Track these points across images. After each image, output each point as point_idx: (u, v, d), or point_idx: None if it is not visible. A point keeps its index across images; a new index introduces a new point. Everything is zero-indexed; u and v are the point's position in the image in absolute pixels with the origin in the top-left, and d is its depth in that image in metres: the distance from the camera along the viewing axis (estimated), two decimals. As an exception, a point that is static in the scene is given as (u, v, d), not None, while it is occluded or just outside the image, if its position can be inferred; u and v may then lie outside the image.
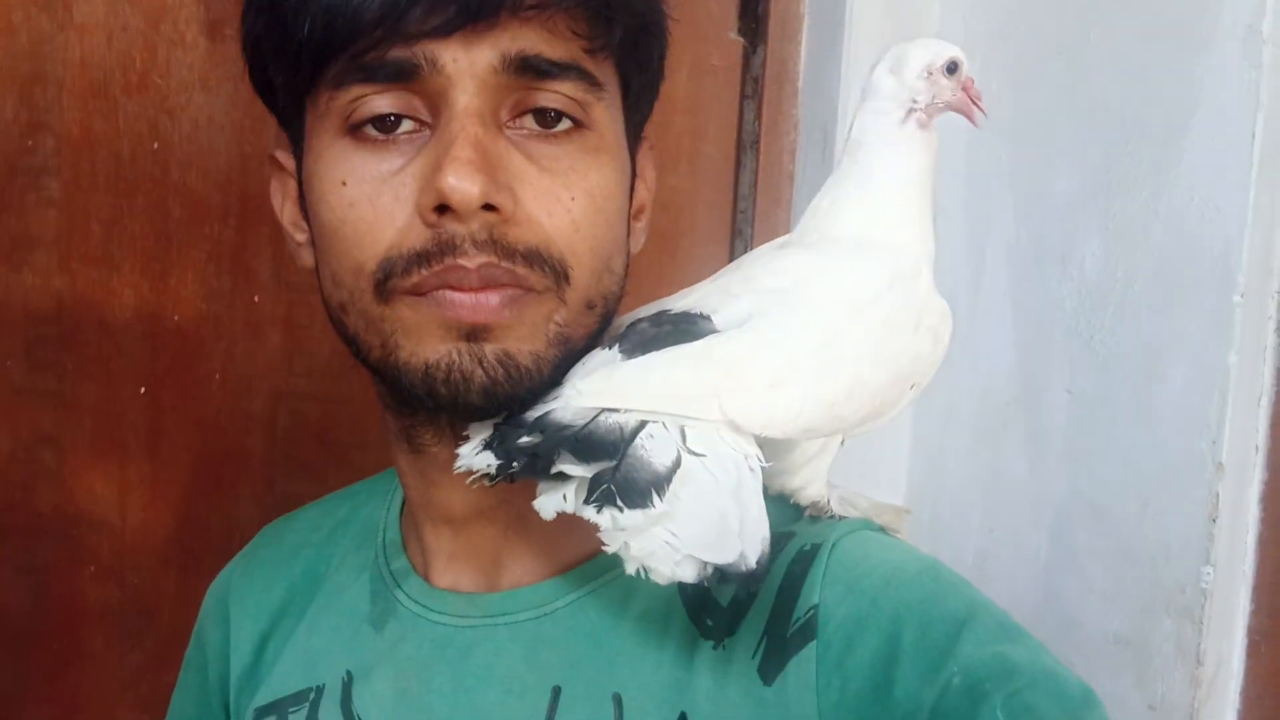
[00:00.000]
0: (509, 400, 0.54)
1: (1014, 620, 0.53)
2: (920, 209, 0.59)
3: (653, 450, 0.50)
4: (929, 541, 1.05)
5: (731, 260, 1.05)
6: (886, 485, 1.04)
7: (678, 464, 0.50)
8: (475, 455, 0.53)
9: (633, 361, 0.53)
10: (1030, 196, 0.95)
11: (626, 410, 0.51)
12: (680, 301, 0.57)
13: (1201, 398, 0.79)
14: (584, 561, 0.61)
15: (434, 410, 0.57)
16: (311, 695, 0.65)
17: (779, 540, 0.57)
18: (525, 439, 0.51)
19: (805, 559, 0.56)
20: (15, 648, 1.19)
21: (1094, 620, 0.88)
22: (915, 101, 0.58)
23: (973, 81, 0.60)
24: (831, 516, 0.60)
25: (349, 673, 0.64)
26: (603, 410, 0.51)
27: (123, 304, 1.13)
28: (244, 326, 1.13)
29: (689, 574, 0.49)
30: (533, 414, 0.53)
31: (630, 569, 0.49)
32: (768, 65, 0.99)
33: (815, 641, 0.53)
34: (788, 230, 1.05)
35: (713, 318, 0.55)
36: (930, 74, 0.58)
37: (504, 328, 0.53)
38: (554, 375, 0.55)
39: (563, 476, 0.50)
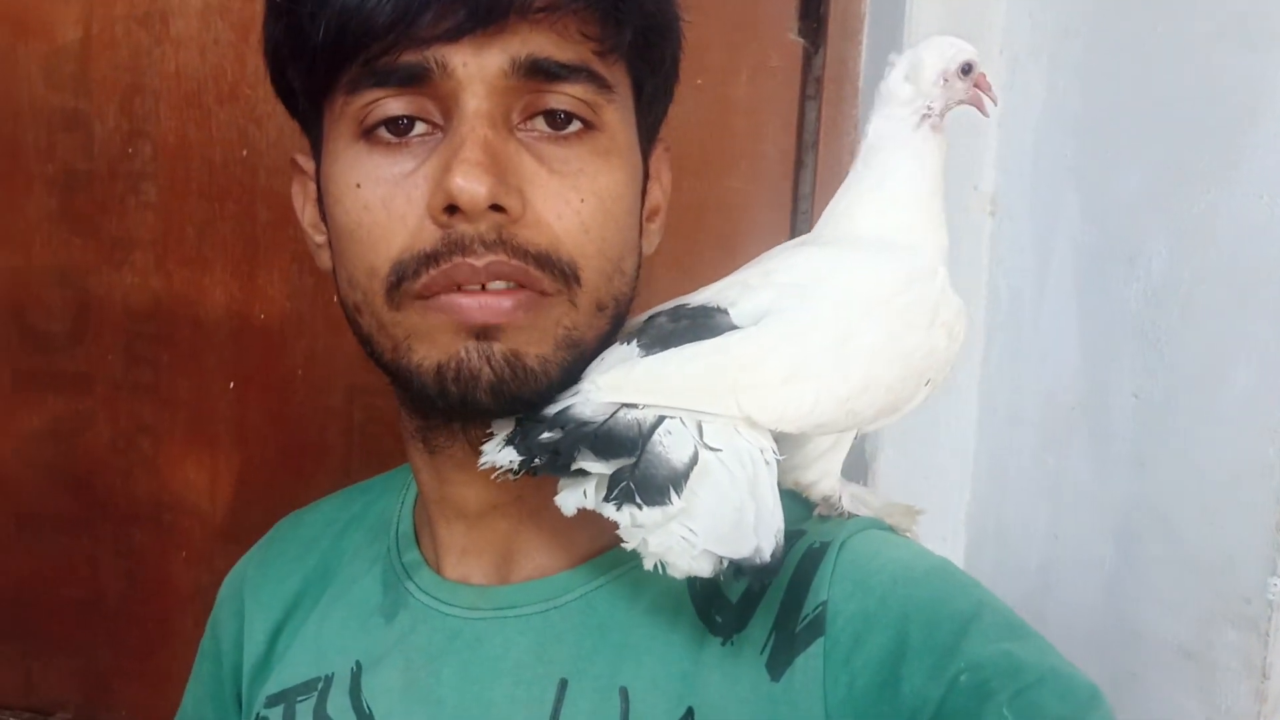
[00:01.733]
0: (516, 400, 0.55)
1: (1022, 619, 0.53)
2: (934, 209, 0.59)
3: (670, 446, 0.51)
4: (993, 548, 1.03)
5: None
6: (952, 490, 1.03)
7: (695, 460, 0.50)
8: (498, 451, 0.54)
9: (650, 358, 0.54)
10: (1096, 195, 0.93)
11: (644, 406, 0.52)
12: (698, 296, 0.58)
13: (1268, 401, 0.77)
14: (594, 556, 0.62)
15: (446, 411, 0.58)
16: (320, 684, 0.66)
17: (789, 538, 0.58)
18: (546, 435, 0.52)
19: (814, 556, 0.56)
20: (111, 627, 1.26)
21: (1158, 631, 0.86)
22: (930, 107, 0.59)
23: (984, 75, 0.60)
24: (842, 513, 0.60)
25: (358, 663, 0.64)
26: (621, 406, 0.52)
27: (214, 303, 1.19)
28: (324, 325, 1.17)
29: (705, 568, 0.49)
30: (553, 409, 0.54)
31: (648, 564, 0.50)
32: (828, 65, 0.99)
33: (823, 638, 0.53)
34: (848, 231, 1.05)
35: (730, 311, 0.55)
36: (946, 79, 0.59)
37: (514, 328, 0.54)
38: (563, 377, 0.56)
39: (583, 473, 0.51)
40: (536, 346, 0.55)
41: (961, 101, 0.60)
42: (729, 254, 1.03)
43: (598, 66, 0.55)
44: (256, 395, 1.19)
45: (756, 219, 1.02)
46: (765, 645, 0.55)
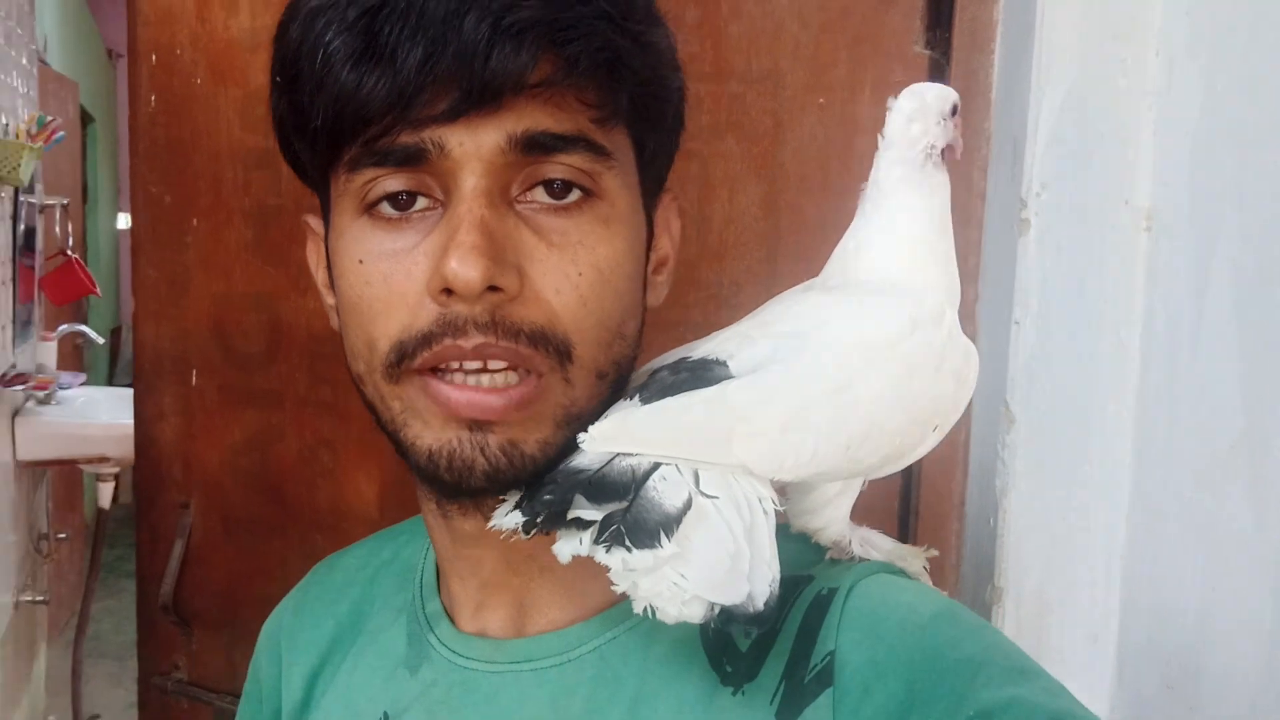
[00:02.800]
0: (515, 483, 0.55)
1: (1031, 660, 0.52)
2: (944, 249, 0.58)
3: (664, 492, 0.51)
4: (1147, 595, 0.95)
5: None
6: (1100, 531, 0.95)
7: (689, 505, 0.50)
8: (505, 516, 0.55)
9: (646, 406, 0.54)
10: (1259, 213, 0.83)
11: (640, 455, 0.52)
12: (699, 349, 0.58)
13: None
14: (607, 608, 0.62)
15: (443, 492, 0.59)
16: None
17: (797, 584, 0.57)
18: (548, 495, 0.53)
19: (822, 603, 0.56)
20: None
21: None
22: (933, 146, 0.58)
23: (960, 121, 0.60)
24: (853, 558, 0.59)
25: (386, 714, 0.66)
26: (617, 455, 0.52)
27: (380, 326, 1.27)
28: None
29: (696, 614, 0.49)
30: (559, 469, 0.55)
31: (638, 608, 0.50)
32: (957, 78, 0.93)
33: (832, 688, 0.53)
34: (979, 256, 0.99)
35: (729, 363, 0.55)
36: (944, 119, 0.58)
37: (509, 421, 0.55)
38: (566, 451, 0.56)
39: (580, 522, 0.51)
40: (536, 432, 0.55)
41: (947, 144, 0.59)
42: (856, 278, 1.00)
43: (596, 135, 0.55)
44: (418, 413, 1.26)
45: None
46: (775, 695, 0.55)
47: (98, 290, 3.41)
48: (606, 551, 0.50)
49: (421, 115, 0.52)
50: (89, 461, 2.95)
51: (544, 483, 0.54)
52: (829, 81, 0.99)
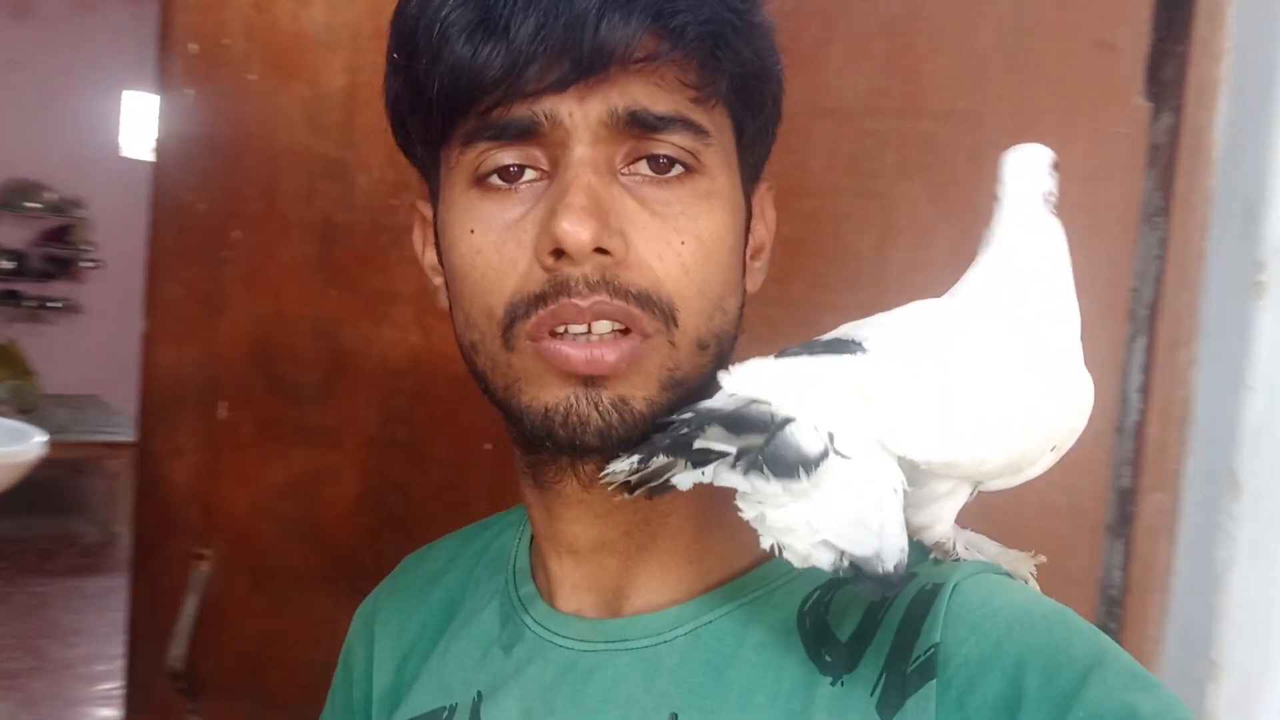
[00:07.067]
0: (623, 443, 0.57)
1: (1146, 670, 0.51)
2: (1068, 285, 0.60)
3: (802, 438, 0.49)
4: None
5: (1126, 345, 0.98)
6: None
7: (825, 455, 0.49)
8: (621, 463, 0.54)
9: (789, 359, 0.53)
10: None
11: (777, 405, 0.51)
12: (829, 334, 0.57)
13: None
14: (703, 592, 0.63)
15: (554, 450, 0.60)
16: (444, 714, 0.67)
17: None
18: (681, 429, 0.51)
19: (927, 598, 0.56)
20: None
21: None
22: (1050, 194, 0.61)
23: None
24: (957, 559, 0.59)
25: (479, 693, 0.66)
26: (753, 400, 0.51)
27: (476, 361, 1.15)
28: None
29: (825, 560, 0.49)
30: (693, 407, 0.53)
31: (765, 543, 0.49)
32: (1182, 132, 0.91)
33: (935, 680, 0.52)
34: (1195, 319, 0.96)
35: (864, 344, 0.54)
36: (1053, 170, 0.61)
37: (620, 376, 0.57)
38: (670, 414, 0.56)
39: (707, 456, 0.50)
40: (643, 389, 0.57)
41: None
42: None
43: (695, 115, 0.58)
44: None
45: (1093, 294, 0.94)
46: (876, 686, 0.54)
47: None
48: (743, 474, 0.49)
49: (533, 86, 0.55)
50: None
51: (670, 421, 0.53)
52: (1038, 128, 0.95)
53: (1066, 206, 0.92)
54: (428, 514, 1.18)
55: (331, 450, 1.22)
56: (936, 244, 0.99)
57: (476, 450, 1.16)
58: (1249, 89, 0.91)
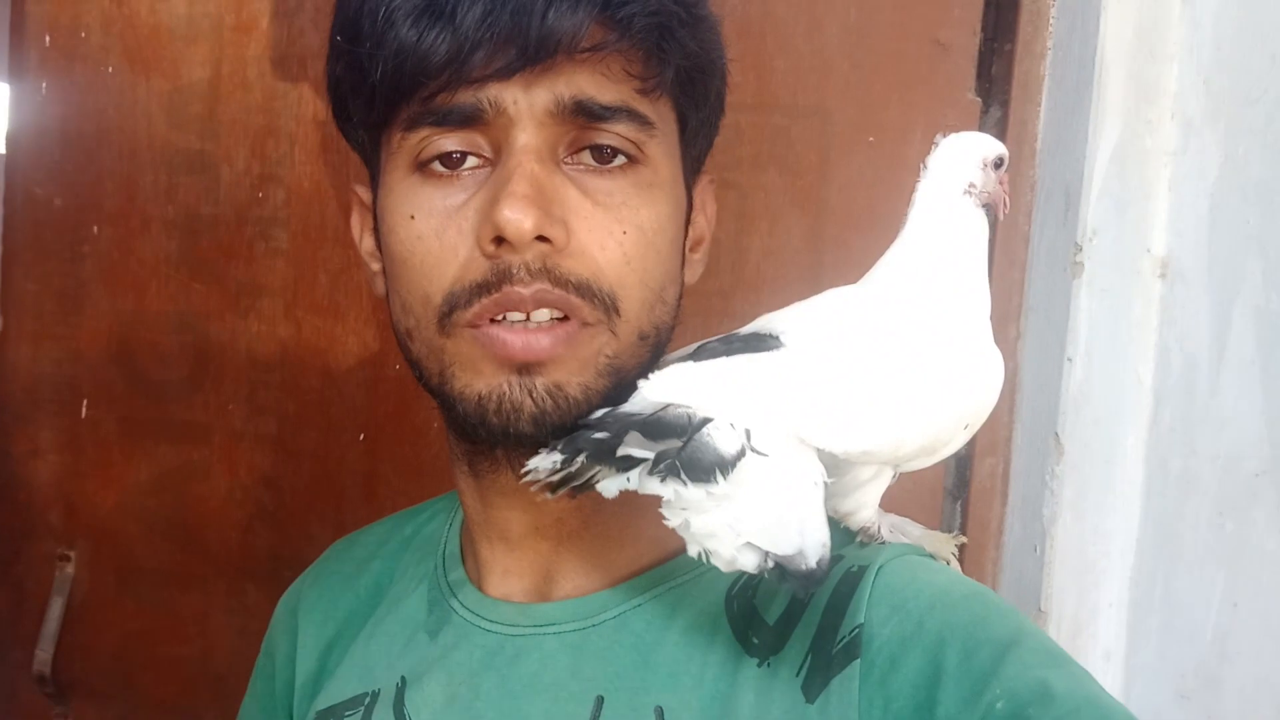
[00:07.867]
0: (558, 430, 0.56)
1: (1062, 649, 0.53)
2: (980, 269, 0.61)
3: (718, 439, 0.50)
4: (1160, 613, 1.02)
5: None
6: (1117, 555, 1.02)
7: (742, 454, 0.50)
8: (543, 459, 0.54)
9: (705, 362, 0.55)
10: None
11: (694, 407, 0.52)
12: (748, 327, 0.59)
13: None
14: (631, 577, 0.63)
15: (488, 439, 0.60)
16: (367, 700, 0.67)
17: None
18: (598, 434, 0.52)
19: (852, 580, 0.57)
20: (220, 687, 1.21)
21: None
22: (973, 185, 0.62)
23: (1007, 178, 0.65)
24: (882, 542, 0.61)
25: (403, 678, 0.66)
26: (670, 404, 0.52)
27: (346, 352, 1.15)
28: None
29: (750, 562, 0.50)
30: (599, 413, 0.55)
31: (692, 550, 0.50)
32: (1009, 125, 0.98)
33: (859, 660, 0.53)
34: (1021, 296, 1.04)
35: (781, 338, 0.56)
36: (985, 165, 0.62)
37: (555, 362, 0.56)
38: (605, 404, 0.57)
39: (629, 461, 0.51)
40: (579, 375, 0.57)
41: (990, 195, 0.62)
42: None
43: (639, 105, 0.58)
44: (389, 447, 1.15)
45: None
46: (801, 667, 0.55)
47: None
48: (661, 482, 0.49)
49: (478, 73, 0.54)
50: None
51: (591, 424, 0.54)
52: (879, 121, 1.01)
53: (904, 195, 0.98)
54: (299, 507, 1.18)
55: (199, 446, 1.20)
56: (790, 231, 1.04)
57: (348, 441, 1.16)
58: (1068, 85, 0.99)
